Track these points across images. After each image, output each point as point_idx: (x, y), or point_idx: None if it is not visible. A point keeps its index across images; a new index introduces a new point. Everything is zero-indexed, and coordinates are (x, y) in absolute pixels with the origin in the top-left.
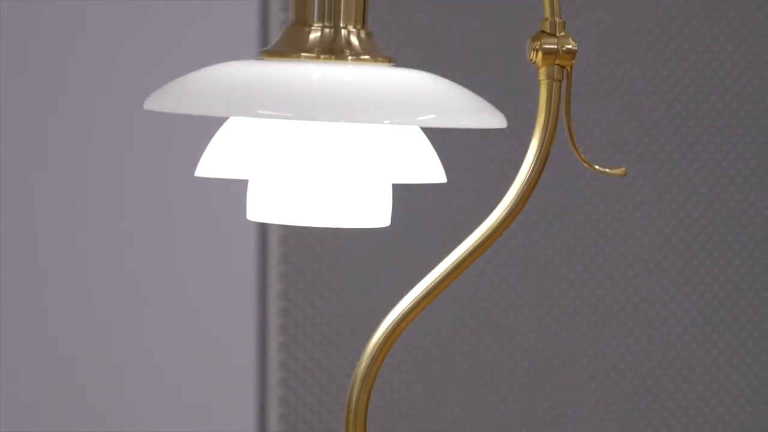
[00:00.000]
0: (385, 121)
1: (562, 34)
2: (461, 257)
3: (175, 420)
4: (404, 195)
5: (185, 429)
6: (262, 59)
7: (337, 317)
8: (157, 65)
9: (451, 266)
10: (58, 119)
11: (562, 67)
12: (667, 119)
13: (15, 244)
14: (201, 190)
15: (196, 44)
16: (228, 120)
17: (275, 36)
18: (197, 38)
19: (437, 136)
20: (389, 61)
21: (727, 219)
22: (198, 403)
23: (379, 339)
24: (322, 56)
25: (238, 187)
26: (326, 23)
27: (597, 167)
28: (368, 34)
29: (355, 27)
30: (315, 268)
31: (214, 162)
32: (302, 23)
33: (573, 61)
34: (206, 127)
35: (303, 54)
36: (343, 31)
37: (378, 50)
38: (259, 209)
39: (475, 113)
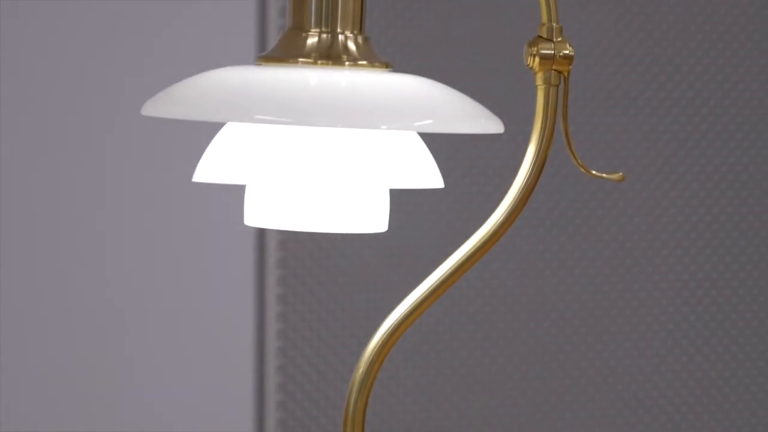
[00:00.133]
0: (383, 127)
1: (559, 39)
2: (459, 262)
3: (173, 424)
4: (402, 200)
5: None
6: (260, 64)
7: (334, 322)
8: (154, 70)
9: (449, 271)
10: (55, 123)
11: (559, 72)
12: (665, 124)
13: (15, 250)
14: (199, 196)
15: (193, 49)
16: (225, 125)
17: (273, 41)
18: (195, 43)
19: (434, 142)
20: (386, 67)
21: (725, 223)
22: (196, 407)
23: (376, 343)
24: (319, 61)
25: (236, 193)
26: (323, 28)
27: (594, 172)
28: (365, 40)
29: (352, 32)
30: (313, 273)
31: (212, 167)
32: (300, 28)
33: (570, 67)
34: (204, 132)
35: (300, 59)
36: (341, 37)
37: (375, 55)
38: (257, 214)
39: (472, 118)
